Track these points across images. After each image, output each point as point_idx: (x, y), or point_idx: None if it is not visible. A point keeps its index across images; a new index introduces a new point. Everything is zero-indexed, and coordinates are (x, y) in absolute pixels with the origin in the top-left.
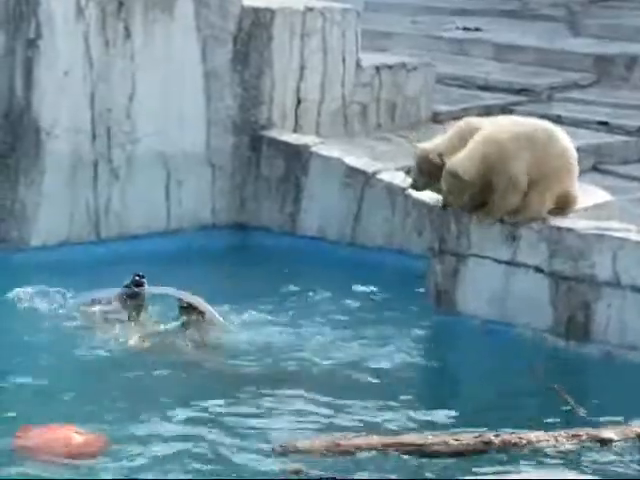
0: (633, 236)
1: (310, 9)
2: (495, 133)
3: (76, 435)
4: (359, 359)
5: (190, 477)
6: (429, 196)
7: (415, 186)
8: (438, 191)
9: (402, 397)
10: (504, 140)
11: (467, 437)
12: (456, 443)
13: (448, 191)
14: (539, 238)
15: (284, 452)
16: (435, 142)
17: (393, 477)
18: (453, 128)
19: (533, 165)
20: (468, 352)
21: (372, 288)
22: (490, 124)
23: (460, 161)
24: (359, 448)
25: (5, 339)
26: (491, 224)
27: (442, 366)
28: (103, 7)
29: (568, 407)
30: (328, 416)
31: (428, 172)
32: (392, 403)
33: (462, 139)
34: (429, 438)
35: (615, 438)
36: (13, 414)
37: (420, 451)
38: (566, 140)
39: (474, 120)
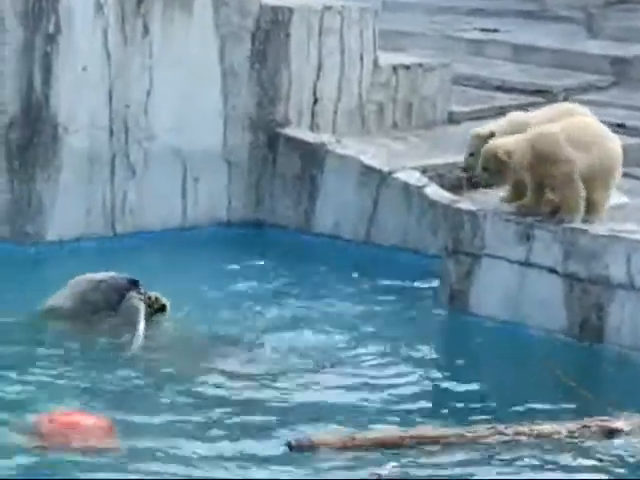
0: None
1: (328, 8)
2: None
3: (87, 419)
4: (372, 357)
5: (202, 475)
6: (444, 196)
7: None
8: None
9: (414, 395)
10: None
11: (481, 429)
12: (471, 435)
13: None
14: (553, 239)
15: (300, 447)
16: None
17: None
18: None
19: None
20: (481, 352)
21: (386, 287)
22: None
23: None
24: (375, 442)
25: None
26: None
27: (454, 365)
28: (122, 4)
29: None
30: (341, 412)
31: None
32: (404, 400)
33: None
34: (445, 430)
35: (625, 429)
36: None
37: (436, 443)
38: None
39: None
